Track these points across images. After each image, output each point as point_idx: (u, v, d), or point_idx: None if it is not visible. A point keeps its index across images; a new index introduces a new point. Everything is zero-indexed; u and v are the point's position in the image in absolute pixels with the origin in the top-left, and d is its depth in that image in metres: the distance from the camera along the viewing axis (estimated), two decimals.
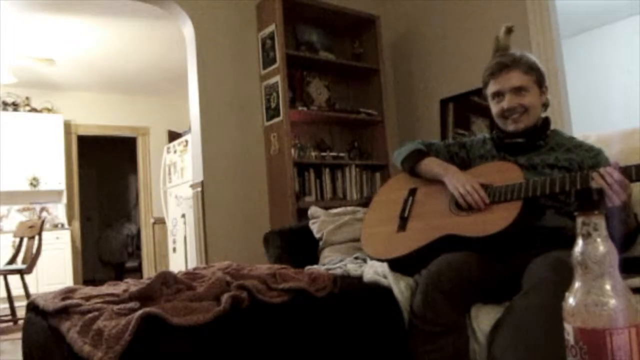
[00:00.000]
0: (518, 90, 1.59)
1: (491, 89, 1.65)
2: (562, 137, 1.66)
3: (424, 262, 1.44)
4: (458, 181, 1.56)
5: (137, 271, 7.60)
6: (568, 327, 0.64)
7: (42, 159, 6.30)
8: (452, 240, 1.47)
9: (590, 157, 1.55)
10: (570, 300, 0.64)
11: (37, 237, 4.27)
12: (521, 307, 1.20)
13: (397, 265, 1.56)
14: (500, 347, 1.20)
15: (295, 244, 2.24)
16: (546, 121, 1.66)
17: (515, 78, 1.59)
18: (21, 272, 4.08)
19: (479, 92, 3.60)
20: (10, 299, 4.15)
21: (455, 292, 1.32)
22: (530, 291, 1.21)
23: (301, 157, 3.57)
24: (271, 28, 3.50)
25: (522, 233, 1.43)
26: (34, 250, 4.24)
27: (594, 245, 0.63)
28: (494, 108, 1.66)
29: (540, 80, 1.62)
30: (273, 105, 3.49)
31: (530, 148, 1.62)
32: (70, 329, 1.13)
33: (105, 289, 1.49)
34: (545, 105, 1.67)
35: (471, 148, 1.78)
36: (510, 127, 1.62)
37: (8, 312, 4.15)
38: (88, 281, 6.83)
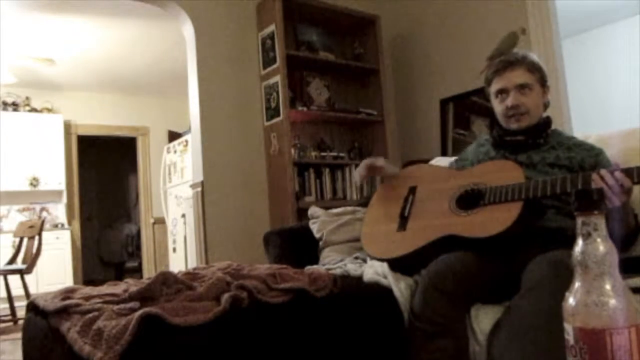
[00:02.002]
0: (522, 88, 1.60)
1: (495, 86, 1.65)
2: (563, 136, 1.67)
3: (424, 262, 1.43)
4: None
5: (137, 271, 7.60)
6: (568, 327, 0.63)
7: (42, 159, 6.30)
8: (453, 240, 1.47)
9: (590, 157, 1.55)
10: (570, 300, 0.64)
11: (37, 237, 4.26)
12: (520, 307, 1.20)
13: (397, 265, 1.56)
14: (500, 348, 1.20)
15: (295, 244, 2.24)
16: (547, 120, 1.66)
17: (520, 76, 1.60)
18: (21, 272, 4.08)
19: (479, 92, 3.61)
20: (10, 299, 4.15)
21: (455, 293, 1.32)
22: (529, 291, 1.21)
23: (301, 157, 3.57)
24: (271, 28, 3.50)
25: (523, 233, 1.43)
26: (34, 250, 4.24)
27: (594, 245, 0.63)
28: (498, 106, 1.66)
29: (543, 80, 1.64)
30: (273, 105, 3.49)
31: (530, 146, 1.63)
32: (70, 329, 1.13)
33: (105, 289, 1.49)
34: (546, 105, 1.68)
35: (470, 156, 1.80)
36: (513, 125, 1.63)
37: (8, 312, 4.15)
38: (88, 281, 6.83)
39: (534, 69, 1.62)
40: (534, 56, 1.67)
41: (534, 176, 1.50)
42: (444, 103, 3.87)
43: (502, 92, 1.63)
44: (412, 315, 1.37)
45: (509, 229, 1.39)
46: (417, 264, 1.49)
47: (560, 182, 1.36)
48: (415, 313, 1.35)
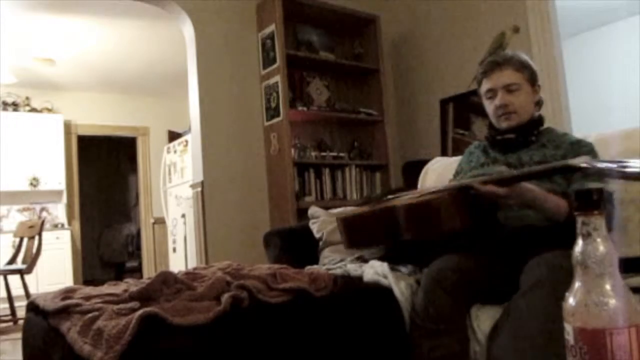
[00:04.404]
0: (510, 87, 1.60)
1: (484, 87, 1.67)
2: (556, 134, 1.65)
3: (388, 232, 1.43)
4: None
5: (137, 271, 7.60)
6: (568, 327, 0.63)
7: (42, 159, 6.30)
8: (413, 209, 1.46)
9: (572, 151, 1.54)
10: (570, 300, 0.64)
11: (37, 237, 4.27)
12: (519, 309, 1.21)
13: (359, 234, 1.55)
14: (501, 348, 1.20)
15: (295, 244, 2.24)
16: (538, 118, 1.66)
17: (507, 75, 1.61)
18: (21, 272, 4.08)
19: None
20: (10, 299, 4.15)
21: (458, 291, 1.33)
22: (528, 291, 1.21)
23: (301, 157, 3.57)
24: (271, 28, 3.50)
25: (521, 233, 1.43)
26: (34, 250, 4.24)
27: (594, 245, 0.63)
28: (488, 106, 1.68)
29: (532, 78, 1.63)
30: (273, 105, 3.49)
31: (521, 144, 1.63)
32: (71, 329, 1.13)
33: (105, 289, 1.49)
34: (539, 104, 1.68)
35: (463, 167, 1.81)
36: (503, 124, 1.64)
37: (8, 312, 4.15)
38: (88, 281, 6.83)
39: (522, 68, 1.62)
40: (523, 56, 1.67)
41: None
42: (444, 103, 3.87)
43: (491, 92, 1.64)
44: (414, 313, 1.37)
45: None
46: (378, 232, 1.49)
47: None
48: (418, 311, 1.35)
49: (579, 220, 0.65)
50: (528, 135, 1.63)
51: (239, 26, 3.62)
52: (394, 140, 4.09)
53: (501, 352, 1.19)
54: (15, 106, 6.34)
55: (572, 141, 1.58)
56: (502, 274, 1.40)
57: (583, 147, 1.54)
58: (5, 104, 6.27)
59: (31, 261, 4.19)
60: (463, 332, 1.32)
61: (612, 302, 0.61)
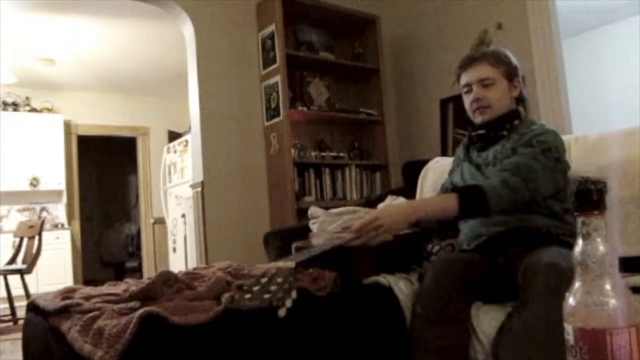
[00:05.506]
0: (484, 82, 1.60)
1: (462, 81, 1.68)
2: (527, 125, 1.61)
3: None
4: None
5: (137, 271, 7.60)
6: (568, 327, 0.64)
7: (42, 159, 6.30)
8: None
9: (519, 140, 1.53)
10: (570, 300, 0.64)
11: (37, 237, 4.27)
12: (523, 315, 1.19)
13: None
14: (508, 350, 1.20)
15: None
16: (513, 112, 1.63)
17: (482, 70, 1.61)
18: (21, 272, 4.08)
19: None
20: (10, 299, 4.15)
21: (464, 284, 1.34)
22: (530, 300, 1.19)
23: (301, 157, 3.57)
24: (271, 28, 3.50)
25: (516, 233, 1.45)
26: (34, 250, 4.24)
27: (594, 245, 0.63)
28: (465, 101, 1.69)
29: (509, 74, 1.62)
30: (273, 105, 3.49)
31: (493, 139, 1.62)
32: (71, 329, 1.13)
33: (106, 289, 1.49)
34: (521, 100, 1.66)
35: (455, 164, 1.84)
36: (478, 118, 1.65)
37: (8, 312, 4.15)
38: (88, 281, 6.82)
39: (498, 63, 1.61)
40: (503, 51, 1.66)
41: (480, 179, 1.54)
42: (444, 103, 3.87)
43: (467, 86, 1.65)
44: (418, 303, 1.37)
45: None
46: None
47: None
48: (423, 299, 1.35)
49: (579, 220, 0.65)
50: (498, 130, 1.61)
51: (239, 26, 3.62)
52: (394, 140, 4.09)
53: (510, 353, 1.19)
54: (15, 106, 6.34)
55: (523, 132, 1.56)
56: (503, 273, 1.41)
57: (524, 136, 1.53)
58: (5, 104, 6.27)
59: (31, 261, 4.19)
60: (465, 325, 1.32)
61: (612, 302, 0.61)
